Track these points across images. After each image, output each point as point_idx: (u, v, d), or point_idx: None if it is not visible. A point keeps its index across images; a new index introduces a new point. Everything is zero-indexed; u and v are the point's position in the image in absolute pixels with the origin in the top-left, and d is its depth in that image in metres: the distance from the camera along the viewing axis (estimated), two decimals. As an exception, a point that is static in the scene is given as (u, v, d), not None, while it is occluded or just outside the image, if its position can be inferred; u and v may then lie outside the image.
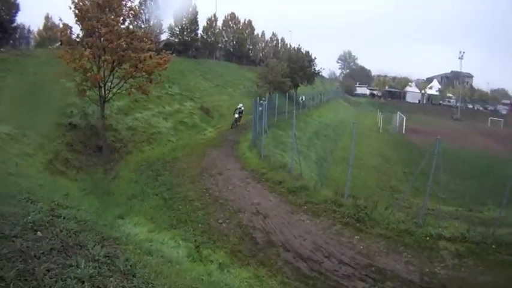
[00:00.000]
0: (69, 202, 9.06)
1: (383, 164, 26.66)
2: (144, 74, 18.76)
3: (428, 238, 11.92)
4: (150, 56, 18.45)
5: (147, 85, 19.16)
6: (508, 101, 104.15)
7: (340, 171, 22.51)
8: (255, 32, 68.31)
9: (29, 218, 5.85)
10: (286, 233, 11.87)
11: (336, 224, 12.32)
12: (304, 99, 43.47)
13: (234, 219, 12.92)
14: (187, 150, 21.27)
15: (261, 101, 22.22)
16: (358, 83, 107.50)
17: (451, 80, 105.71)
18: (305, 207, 13.54)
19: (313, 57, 49.41)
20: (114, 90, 18.99)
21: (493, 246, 11.92)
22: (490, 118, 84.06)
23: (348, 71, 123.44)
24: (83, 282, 4.22)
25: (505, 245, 11.97)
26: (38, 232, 5.40)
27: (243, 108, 30.20)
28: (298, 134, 27.91)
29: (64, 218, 6.71)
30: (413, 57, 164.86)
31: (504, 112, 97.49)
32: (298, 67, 46.22)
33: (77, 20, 18.01)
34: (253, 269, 10.07)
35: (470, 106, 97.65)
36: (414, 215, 13.49)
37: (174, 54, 21.31)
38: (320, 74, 53.89)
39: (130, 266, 5.49)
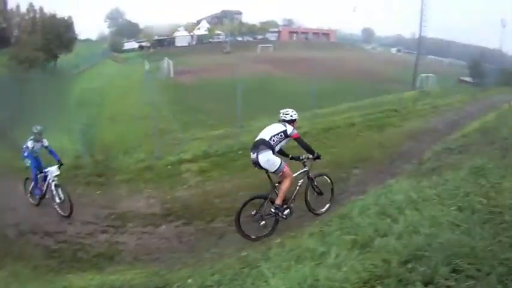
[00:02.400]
0: None
1: (152, 111, 26.82)
2: None
3: (169, 167, 12.60)
4: None
5: None
6: (276, 29, 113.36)
7: (108, 131, 22.32)
8: (8, 7, 60.51)
9: None
10: (33, 218, 11.49)
11: (77, 189, 12.43)
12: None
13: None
14: None
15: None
16: (126, 39, 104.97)
17: (221, 19, 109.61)
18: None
19: (70, 20, 46.94)
20: None
21: (240, 152, 13.01)
22: (260, 46, 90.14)
23: (115, 28, 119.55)
24: None
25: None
26: None
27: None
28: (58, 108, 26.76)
29: None
30: (182, 2, 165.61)
31: (273, 39, 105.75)
32: (54, 36, 43.24)
33: None
34: (10, 267, 9.28)
35: (239, 39, 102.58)
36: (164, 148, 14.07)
37: None
38: (77, 38, 51.20)
39: None
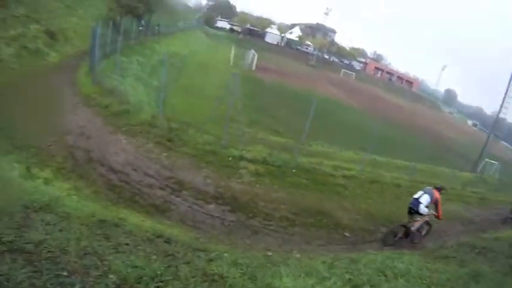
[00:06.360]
0: None
1: (226, 96, 27.88)
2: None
3: (230, 158, 13.97)
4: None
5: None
6: (363, 60, 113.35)
7: (180, 99, 23.44)
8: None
9: None
10: (103, 151, 13.14)
11: (148, 143, 13.92)
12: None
13: (62, 141, 13.71)
14: (27, 78, 20.84)
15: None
16: (220, 17, 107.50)
17: (314, 30, 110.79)
18: (124, 128, 14.81)
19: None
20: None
21: (294, 171, 14.38)
22: (343, 70, 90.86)
23: (212, 3, 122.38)
24: None
25: (306, 171, 14.74)
26: None
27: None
28: (142, 60, 28.29)
29: None
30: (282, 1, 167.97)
31: (358, 68, 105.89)
32: (156, -7, 44.58)
33: None
34: (73, 182, 11.29)
35: (326, 56, 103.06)
36: (231, 140, 15.56)
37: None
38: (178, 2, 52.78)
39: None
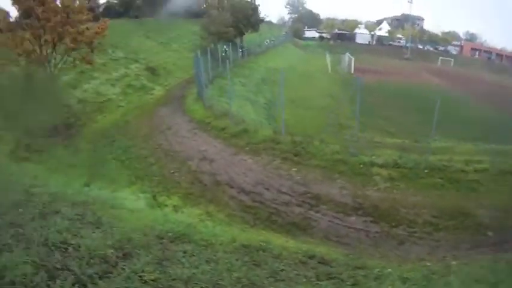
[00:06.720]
0: (39, 182, 9.68)
1: (332, 104, 27.44)
2: (84, 45, 18.93)
3: (361, 165, 13.06)
4: (87, 28, 18.69)
5: (90, 55, 19.30)
6: (458, 43, 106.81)
7: (288, 113, 23.15)
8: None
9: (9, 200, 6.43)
10: (230, 173, 12.92)
11: (275, 160, 13.42)
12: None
13: (184, 167, 13.81)
14: (138, 112, 21.61)
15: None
16: (306, 27, 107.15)
17: (402, 22, 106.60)
18: (247, 148, 14.54)
19: (256, 4, 49.47)
20: (59, 66, 19.04)
21: (426, 171, 13.22)
22: (441, 58, 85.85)
23: (296, 15, 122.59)
24: (61, 233, 4.82)
25: (438, 170, 13.37)
26: (20, 209, 5.90)
27: None
28: (244, 81, 28.46)
29: (38, 194, 7.37)
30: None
31: (454, 52, 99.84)
32: (241, 16, 45.71)
33: (13, 3, 18.15)
34: (204, 207, 11.19)
35: (420, 47, 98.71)
36: (357, 147, 14.58)
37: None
38: (264, 20, 53.70)
39: (97, 218, 6.19)
